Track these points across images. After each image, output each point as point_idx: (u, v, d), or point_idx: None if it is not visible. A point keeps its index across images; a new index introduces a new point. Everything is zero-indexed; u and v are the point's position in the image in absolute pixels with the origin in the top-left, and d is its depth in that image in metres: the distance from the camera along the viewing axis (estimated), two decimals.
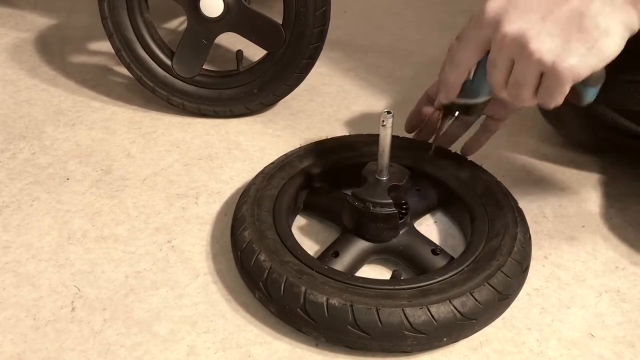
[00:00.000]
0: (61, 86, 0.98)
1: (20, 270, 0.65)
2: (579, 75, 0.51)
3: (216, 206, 0.74)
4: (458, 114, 0.63)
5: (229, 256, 0.65)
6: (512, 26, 0.52)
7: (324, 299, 0.54)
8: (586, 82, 0.53)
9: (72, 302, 0.61)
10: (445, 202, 0.72)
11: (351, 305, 0.54)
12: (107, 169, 0.80)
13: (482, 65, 0.58)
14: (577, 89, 0.54)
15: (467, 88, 0.61)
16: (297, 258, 0.60)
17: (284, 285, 0.56)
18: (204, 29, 0.85)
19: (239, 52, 0.91)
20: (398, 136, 0.73)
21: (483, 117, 0.74)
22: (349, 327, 0.54)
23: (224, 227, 0.70)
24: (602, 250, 0.68)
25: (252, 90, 0.88)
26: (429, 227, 0.72)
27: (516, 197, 0.68)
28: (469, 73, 0.60)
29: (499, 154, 0.83)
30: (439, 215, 0.73)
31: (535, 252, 0.66)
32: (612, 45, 0.50)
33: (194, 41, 0.85)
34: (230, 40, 1.06)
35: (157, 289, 0.63)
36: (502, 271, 0.58)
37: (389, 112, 0.60)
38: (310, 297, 0.55)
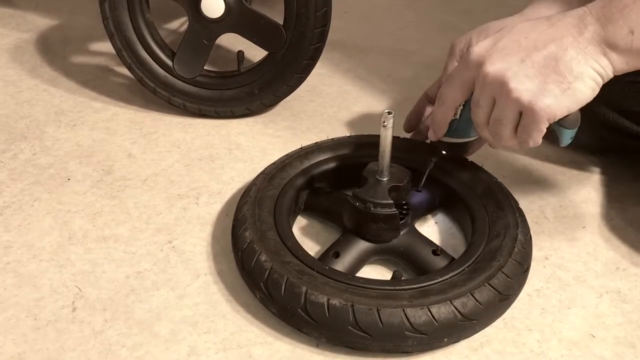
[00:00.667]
0: (62, 87, 0.99)
1: (21, 270, 0.65)
2: (554, 115, 0.55)
3: (217, 206, 0.74)
4: (445, 153, 0.68)
5: (230, 257, 0.65)
6: (493, 67, 0.56)
7: (325, 299, 0.54)
8: (562, 124, 0.57)
9: (73, 302, 0.61)
10: (446, 203, 0.72)
11: (352, 306, 0.54)
12: (108, 170, 0.80)
13: (468, 106, 0.62)
14: (554, 130, 0.58)
15: (454, 127, 0.65)
16: (298, 258, 0.60)
17: (285, 286, 0.56)
18: (205, 30, 0.85)
19: (240, 53, 0.91)
20: (399, 137, 0.73)
21: None
22: (349, 327, 0.54)
23: (224, 228, 0.71)
24: (603, 251, 0.68)
25: (253, 90, 0.88)
26: (429, 227, 0.72)
27: (517, 197, 0.68)
28: (456, 113, 0.64)
29: (500, 154, 0.83)
30: (440, 215, 0.73)
31: (536, 253, 0.66)
32: (584, 89, 0.54)
33: (195, 42, 0.86)
34: (231, 41, 1.06)
35: (157, 289, 0.63)
36: (502, 272, 0.58)
37: (389, 113, 0.60)
38: (311, 298, 0.55)
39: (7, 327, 0.58)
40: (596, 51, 0.53)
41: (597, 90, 0.55)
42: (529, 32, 0.56)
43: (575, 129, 0.58)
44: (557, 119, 0.55)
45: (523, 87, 0.54)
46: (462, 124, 0.65)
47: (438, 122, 0.65)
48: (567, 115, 0.56)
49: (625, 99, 0.72)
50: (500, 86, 0.56)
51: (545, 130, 0.56)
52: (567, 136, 0.59)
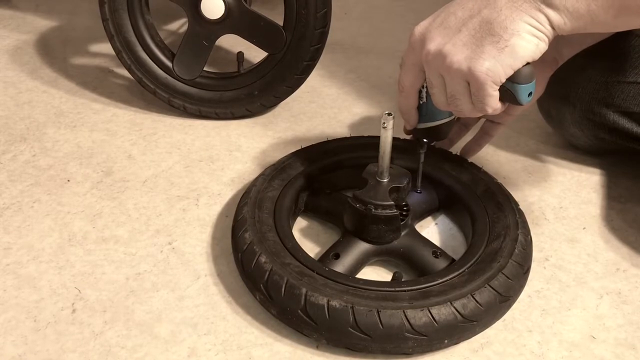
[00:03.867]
0: (62, 88, 0.99)
1: (21, 272, 0.65)
2: (497, 76, 0.53)
3: (217, 208, 0.74)
4: (427, 142, 0.66)
5: (230, 258, 0.65)
6: (433, 43, 0.55)
7: (325, 300, 0.54)
8: (515, 80, 0.55)
9: (73, 303, 0.61)
10: (446, 204, 0.72)
11: (352, 307, 0.54)
12: (107, 171, 0.80)
13: None
14: (509, 90, 0.55)
15: (425, 112, 0.64)
16: (298, 260, 0.60)
17: (285, 287, 0.56)
18: (205, 31, 0.85)
19: (240, 54, 0.91)
20: (399, 138, 0.73)
21: (482, 119, 0.74)
22: (349, 328, 0.53)
23: (224, 229, 0.70)
24: (603, 252, 0.68)
25: (253, 92, 0.88)
26: (430, 229, 0.72)
27: (517, 198, 0.68)
28: (422, 97, 0.63)
29: (500, 155, 0.83)
30: (440, 217, 0.73)
31: (536, 254, 0.66)
32: (525, 44, 0.52)
33: (194, 43, 0.86)
34: (231, 42, 1.06)
35: (157, 291, 0.63)
36: (503, 273, 0.58)
37: (389, 114, 0.60)
38: (311, 299, 0.55)
39: (7, 329, 0.58)
40: (530, 7, 0.52)
41: (543, 45, 0.53)
42: (465, 3, 0.55)
43: (531, 84, 0.56)
44: (503, 79, 0.54)
45: (461, 56, 0.54)
46: (431, 107, 0.63)
47: (405, 110, 0.64)
48: (518, 72, 0.54)
49: (625, 99, 0.72)
50: (442, 61, 0.55)
51: (496, 94, 0.55)
52: (524, 92, 0.56)
